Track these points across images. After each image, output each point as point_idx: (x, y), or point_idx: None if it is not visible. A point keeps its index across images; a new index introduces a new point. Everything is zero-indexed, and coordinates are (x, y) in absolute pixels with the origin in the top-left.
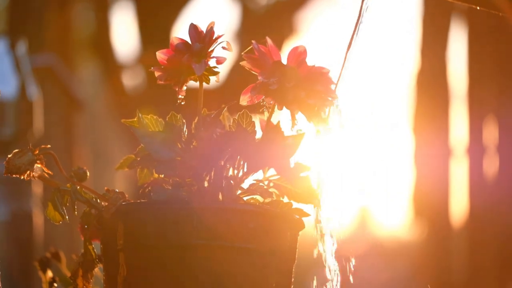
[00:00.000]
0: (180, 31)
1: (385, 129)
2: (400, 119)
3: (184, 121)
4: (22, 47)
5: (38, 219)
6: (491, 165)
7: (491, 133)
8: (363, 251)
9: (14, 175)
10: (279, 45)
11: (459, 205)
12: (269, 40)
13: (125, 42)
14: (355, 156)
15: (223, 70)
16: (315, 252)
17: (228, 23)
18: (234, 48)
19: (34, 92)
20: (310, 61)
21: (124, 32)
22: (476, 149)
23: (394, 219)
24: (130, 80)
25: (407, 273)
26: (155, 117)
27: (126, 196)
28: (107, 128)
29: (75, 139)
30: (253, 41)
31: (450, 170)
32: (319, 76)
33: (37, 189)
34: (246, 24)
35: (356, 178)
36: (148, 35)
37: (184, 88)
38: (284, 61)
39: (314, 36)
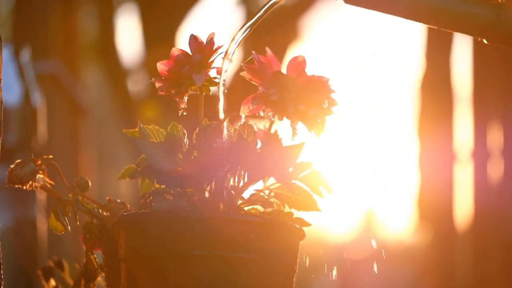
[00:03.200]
0: (184, 36)
1: (389, 132)
2: (404, 122)
3: (185, 131)
4: (26, 54)
5: (42, 226)
6: (495, 169)
7: (496, 137)
8: (368, 254)
9: (16, 186)
10: (283, 49)
11: (463, 209)
12: (268, 50)
13: (129, 48)
14: (360, 160)
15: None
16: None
17: (232, 27)
18: (238, 52)
19: (38, 99)
20: (310, 70)
21: (129, 38)
22: (480, 153)
23: (399, 223)
24: (134, 85)
25: (411, 276)
26: (156, 127)
27: (128, 206)
28: (111, 134)
29: (79, 145)
30: (253, 52)
31: (455, 174)
32: (318, 86)
33: (41, 196)
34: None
35: (360, 181)
36: (153, 40)
37: (185, 98)
38: (284, 71)
39: (318, 40)
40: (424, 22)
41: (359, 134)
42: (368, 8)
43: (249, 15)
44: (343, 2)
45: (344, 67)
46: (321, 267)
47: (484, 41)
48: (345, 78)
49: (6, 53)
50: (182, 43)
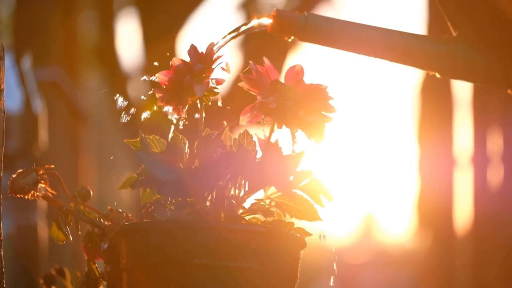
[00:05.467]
0: (185, 41)
1: (389, 137)
2: (404, 127)
3: (186, 141)
4: (27, 61)
5: (43, 232)
6: (495, 174)
7: (495, 142)
8: (367, 258)
9: (18, 195)
10: (282, 54)
11: (463, 213)
12: (266, 60)
13: (130, 53)
14: (360, 165)
15: (227, 81)
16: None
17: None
18: (238, 57)
19: (39, 105)
20: (308, 79)
21: (129, 43)
22: (480, 158)
23: (399, 228)
24: (135, 90)
25: (411, 280)
26: (157, 137)
27: (129, 215)
28: (112, 139)
29: (80, 152)
30: (250, 62)
31: (455, 178)
32: (317, 93)
33: (42, 203)
34: (250, 34)
35: (360, 186)
36: (153, 45)
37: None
38: (282, 80)
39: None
40: (377, 57)
41: (359, 139)
42: (324, 45)
43: (250, 19)
44: (297, 39)
45: (344, 71)
46: (321, 272)
47: (437, 75)
48: (345, 83)
49: (7, 60)
50: (182, 47)
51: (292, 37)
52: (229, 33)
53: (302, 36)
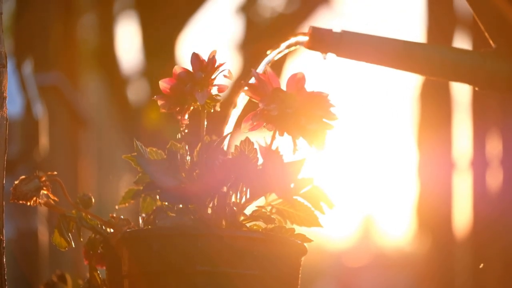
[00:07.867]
0: (184, 44)
1: (388, 140)
2: (403, 130)
3: (187, 148)
4: (28, 66)
5: (43, 236)
6: (495, 178)
7: (495, 145)
8: (367, 261)
9: (20, 201)
10: (281, 58)
11: (462, 217)
12: (268, 68)
13: (130, 57)
14: (359, 167)
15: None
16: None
17: (232, 35)
18: (237, 60)
19: (39, 110)
20: (309, 86)
21: (129, 47)
22: (480, 161)
23: (398, 231)
24: (135, 94)
25: (410, 284)
26: (154, 149)
27: (131, 222)
28: (113, 143)
29: (80, 156)
30: (252, 69)
31: (454, 182)
32: (318, 101)
33: (43, 207)
34: (250, 37)
35: (360, 188)
36: (153, 48)
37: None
38: (283, 87)
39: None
40: (415, 72)
41: (359, 142)
42: (361, 61)
43: (249, 23)
44: (335, 55)
45: (343, 75)
46: (321, 274)
47: (476, 88)
48: (344, 86)
49: (8, 65)
50: (182, 51)
51: (328, 54)
52: (272, 52)
53: (338, 52)
